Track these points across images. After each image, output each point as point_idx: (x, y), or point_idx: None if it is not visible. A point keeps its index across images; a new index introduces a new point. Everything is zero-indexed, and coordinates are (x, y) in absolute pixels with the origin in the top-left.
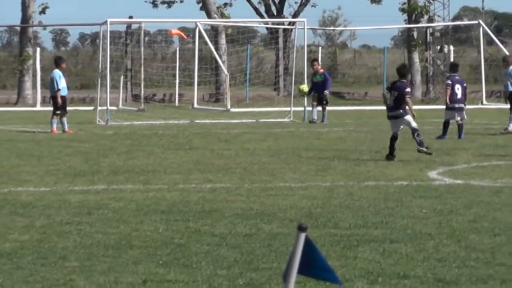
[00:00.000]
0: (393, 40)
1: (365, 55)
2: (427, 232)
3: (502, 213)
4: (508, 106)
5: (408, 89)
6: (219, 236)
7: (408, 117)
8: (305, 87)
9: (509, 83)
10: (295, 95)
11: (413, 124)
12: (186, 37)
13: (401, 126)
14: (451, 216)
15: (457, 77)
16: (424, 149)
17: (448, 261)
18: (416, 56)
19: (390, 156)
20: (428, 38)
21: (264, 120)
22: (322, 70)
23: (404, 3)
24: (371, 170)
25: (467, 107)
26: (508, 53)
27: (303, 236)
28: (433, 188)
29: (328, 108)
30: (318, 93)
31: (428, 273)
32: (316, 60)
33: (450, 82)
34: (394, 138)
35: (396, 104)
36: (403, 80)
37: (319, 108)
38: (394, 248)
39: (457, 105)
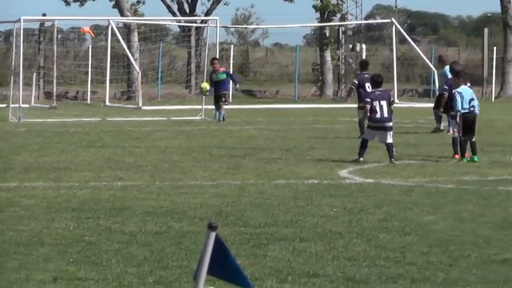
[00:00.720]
0: (305, 38)
1: (277, 53)
2: (337, 231)
3: (413, 213)
4: (432, 105)
5: (392, 98)
6: (129, 233)
7: (391, 133)
8: (206, 85)
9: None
10: (200, 93)
11: (390, 139)
12: (94, 35)
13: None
14: (361, 215)
15: (366, 75)
16: (396, 162)
17: (358, 260)
18: (328, 55)
19: (360, 157)
20: (341, 36)
21: (176, 118)
22: (223, 69)
23: (317, 0)
24: (282, 168)
25: None
26: (420, 52)
27: (213, 234)
28: (343, 186)
29: (240, 106)
30: (221, 92)
31: (338, 272)
32: (216, 58)
33: (356, 82)
34: (366, 141)
35: (388, 115)
36: (382, 90)
37: (224, 106)
38: (304, 247)
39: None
